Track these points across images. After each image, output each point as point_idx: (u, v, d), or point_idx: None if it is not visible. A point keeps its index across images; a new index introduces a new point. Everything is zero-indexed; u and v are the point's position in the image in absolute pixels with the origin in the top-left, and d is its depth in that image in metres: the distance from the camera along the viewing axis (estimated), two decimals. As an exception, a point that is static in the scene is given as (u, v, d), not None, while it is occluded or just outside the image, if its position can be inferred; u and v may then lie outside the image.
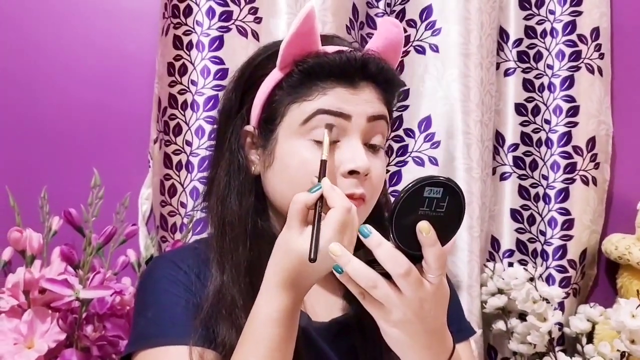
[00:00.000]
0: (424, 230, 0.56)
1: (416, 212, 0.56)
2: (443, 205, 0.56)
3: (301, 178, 0.72)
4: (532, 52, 1.25)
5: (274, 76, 0.74)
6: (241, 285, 0.72)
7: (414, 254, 0.57)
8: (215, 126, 1.08)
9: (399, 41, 0.78)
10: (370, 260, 0.58)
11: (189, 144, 1.10)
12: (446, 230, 0.57)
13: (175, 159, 1.12)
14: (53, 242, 1.02)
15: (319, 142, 0.71)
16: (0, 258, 1.00)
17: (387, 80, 0.76)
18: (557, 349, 1.15)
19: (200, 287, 0.74)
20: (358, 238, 0.59)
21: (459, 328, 0.82)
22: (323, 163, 0.68)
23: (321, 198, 0.64)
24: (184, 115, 1.11)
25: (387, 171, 1.16)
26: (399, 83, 0.80)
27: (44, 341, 0.82)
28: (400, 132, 1.17)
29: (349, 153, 0.71)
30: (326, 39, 0.77)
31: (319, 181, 0.66)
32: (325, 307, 0.79)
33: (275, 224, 0.78)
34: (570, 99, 1.22)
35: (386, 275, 0.58)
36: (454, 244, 0.61)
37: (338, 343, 0.77)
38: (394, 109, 1.16)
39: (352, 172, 0.71)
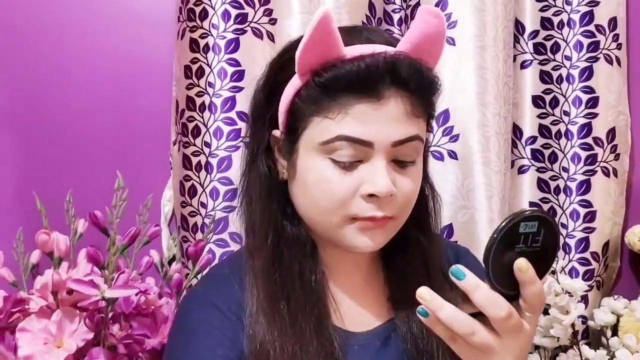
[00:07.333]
0: (523, 268, 0.53)
1: (512, 249, 0.54)
2: (539, 239, 0.54)
3: (319, 197, 0.68)
4: (549, 44, 1.24)
5: (294, 83, 0.69)
6: (275, 318, 0.69)
7: (510, 293, 0.55)
8: (235, 127, 1.10)
9: (439, 34, 0.68)
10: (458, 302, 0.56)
11: (207, 145, 1.12)
12: (543, 264, 0.56)
13: (194, 160, 1.13)
14: (79, 244, 1.04)
15: (339, 162, 0.67)
16: (29, 260, 1.03)
17: (420, 87, 0.68)
18: (581, 342, 1.14)
19: (238, 321, 0.71)
20: None
21: None
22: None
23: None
24: (202, 117, 1.12)
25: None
26: (436, 87, 0.71)
27: (73, 340, 0.84)
28: (418, 128, 1.17)
29: (370, 174, 0.67)
30: (353, 36, 0.69)
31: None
32: (367, 317, 0.77)
33: (304, 228, 0.74)
34: (590, 90, 1.21)
35: (477, 316, 0.55)
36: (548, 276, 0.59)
37: (384, 353, 0.74)
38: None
39: (372, 195, 0.67)
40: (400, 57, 0.66)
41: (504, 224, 0.53)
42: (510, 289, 0.54)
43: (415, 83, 0.67)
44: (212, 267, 0.90)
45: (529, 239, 0.54)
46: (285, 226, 0.73)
